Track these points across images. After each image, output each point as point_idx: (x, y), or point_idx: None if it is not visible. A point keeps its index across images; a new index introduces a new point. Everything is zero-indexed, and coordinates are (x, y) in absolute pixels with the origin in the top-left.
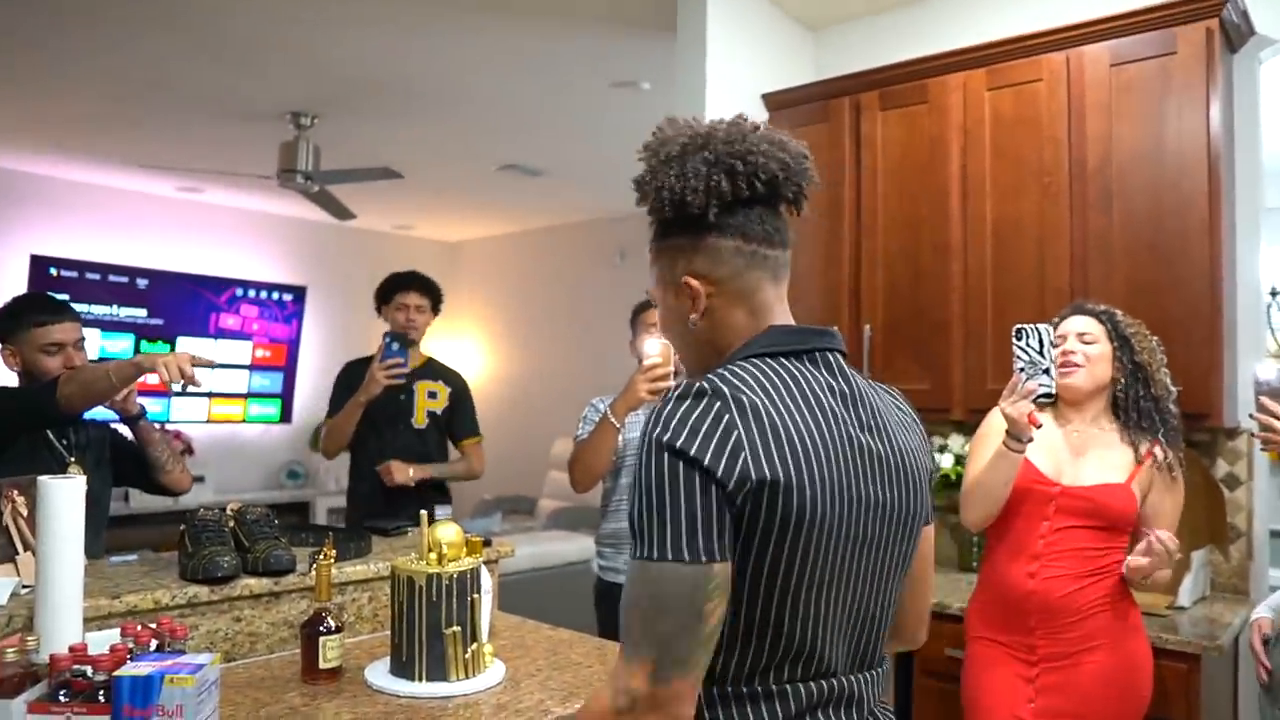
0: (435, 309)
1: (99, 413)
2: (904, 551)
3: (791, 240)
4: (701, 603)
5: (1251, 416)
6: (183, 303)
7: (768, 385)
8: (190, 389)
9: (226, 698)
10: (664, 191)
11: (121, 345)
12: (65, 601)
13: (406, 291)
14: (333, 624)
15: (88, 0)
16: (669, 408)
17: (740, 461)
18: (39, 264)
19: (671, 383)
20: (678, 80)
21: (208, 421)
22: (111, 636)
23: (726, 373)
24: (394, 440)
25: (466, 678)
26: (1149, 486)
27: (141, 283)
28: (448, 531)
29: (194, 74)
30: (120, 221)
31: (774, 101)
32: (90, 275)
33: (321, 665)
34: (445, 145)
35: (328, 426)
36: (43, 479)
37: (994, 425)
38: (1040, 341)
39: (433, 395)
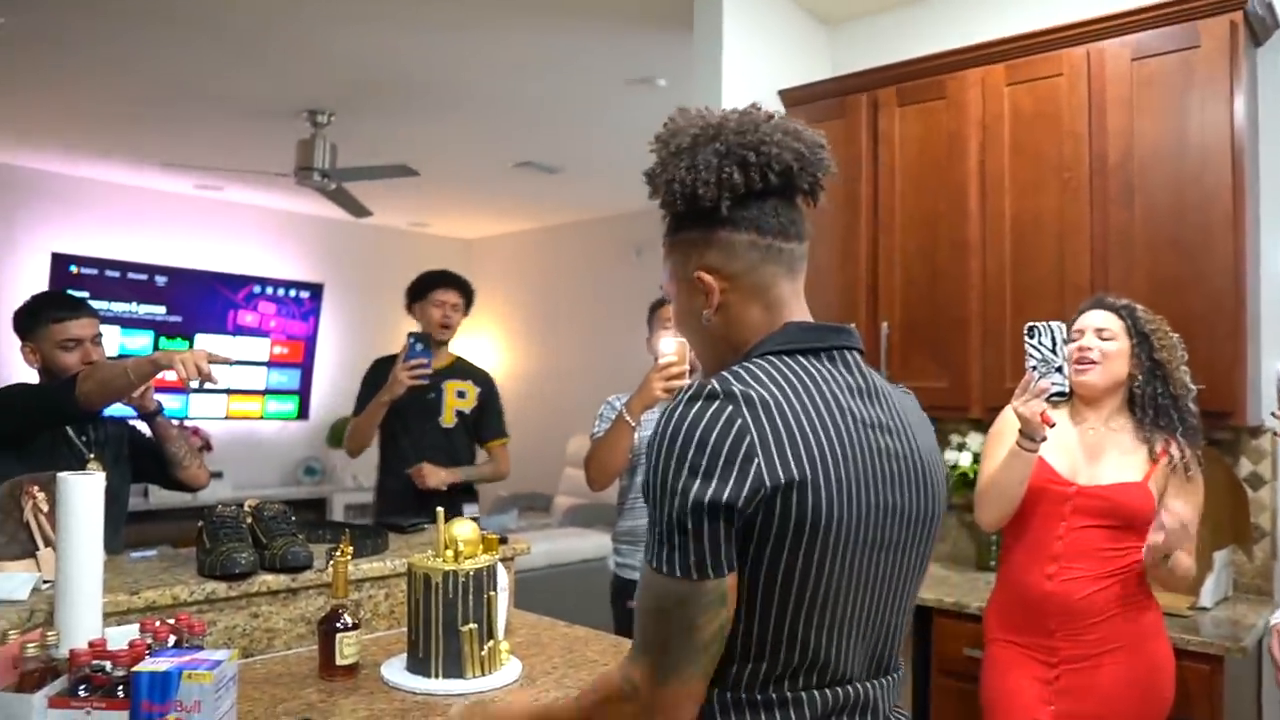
0: (468, 307)
1: (117, 409)
2: (921, 554)
3: (808, 232)
4: (694, 616)
5: (1274, 415)
6: (201, 300)
7: (783, 383)
8: (207, 386)
9: (244, 693)
10: (675, 184)
11: (141, 342)
12: (85, 597)
13: (445, 289)
14: (349, 621)
15: (108, 2)
16: (679, 410)
17: (752, 470)
18: (60, 261)
19: (686, 381)
20: (694, 77)
21: (226, 418)
22: (130, 632)
23: (741, 370)
24: (422, 439)
25: (482, 675)
26: (1165, 485)
27: (160, 280)
28: (464, 529)
29: (213, 73)
30: (140, 219)
31: (790, 98)
32: (110, 273)
33: (338, 662)
34: (461, 142)
35: (351, 425)
36: (63, 475)
37: (1007, 423)
38: (1053, 339)
39: (461, 395)
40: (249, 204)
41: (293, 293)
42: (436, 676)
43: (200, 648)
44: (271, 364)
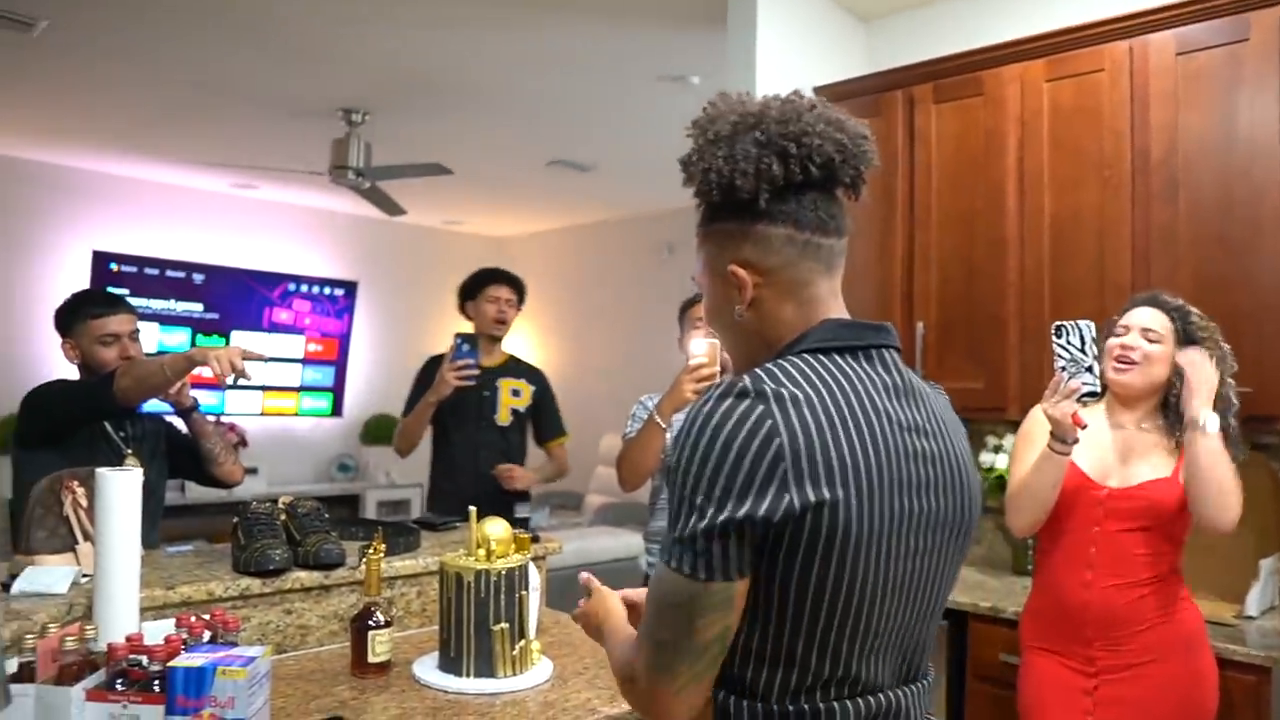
0: (520, 303)
1: (154, 405)
2: (954, 560)
3: (849, 228)
4: (695, 617)
5: None
6: (237, 297)
7: (817, 383)
8: (241, 382)
9: (277, 689)
10: (711, 174)
11: (178, 339)
12: (122, 591)
13: (499, 285)
14: (382, 618)
15: (147, 5)
16: (708, 407)
17: (777, 481)
18: (100, 259)
19: (718, 383)
20: (727, 74)
21: (261, 414)
22: (166, 627)
23: (774, 368)
24: (477, 437)
25: (514, 674)
26: None
27: (198, 278)
28: (496, 528)
29: (249, 73)
30: (178, 217)
31: (826, 94)
32: (149, 270)
33: (370, 659)
34: (495, 141)
35: (401, 425)
36: (101, 471)
37: (1036, 425)
38: (1082, 338)
39: (516, 393)
40: (284, 202)
41: (327, 290)
42: (468, 675)
43: (235, 643)
44: (306, 361)
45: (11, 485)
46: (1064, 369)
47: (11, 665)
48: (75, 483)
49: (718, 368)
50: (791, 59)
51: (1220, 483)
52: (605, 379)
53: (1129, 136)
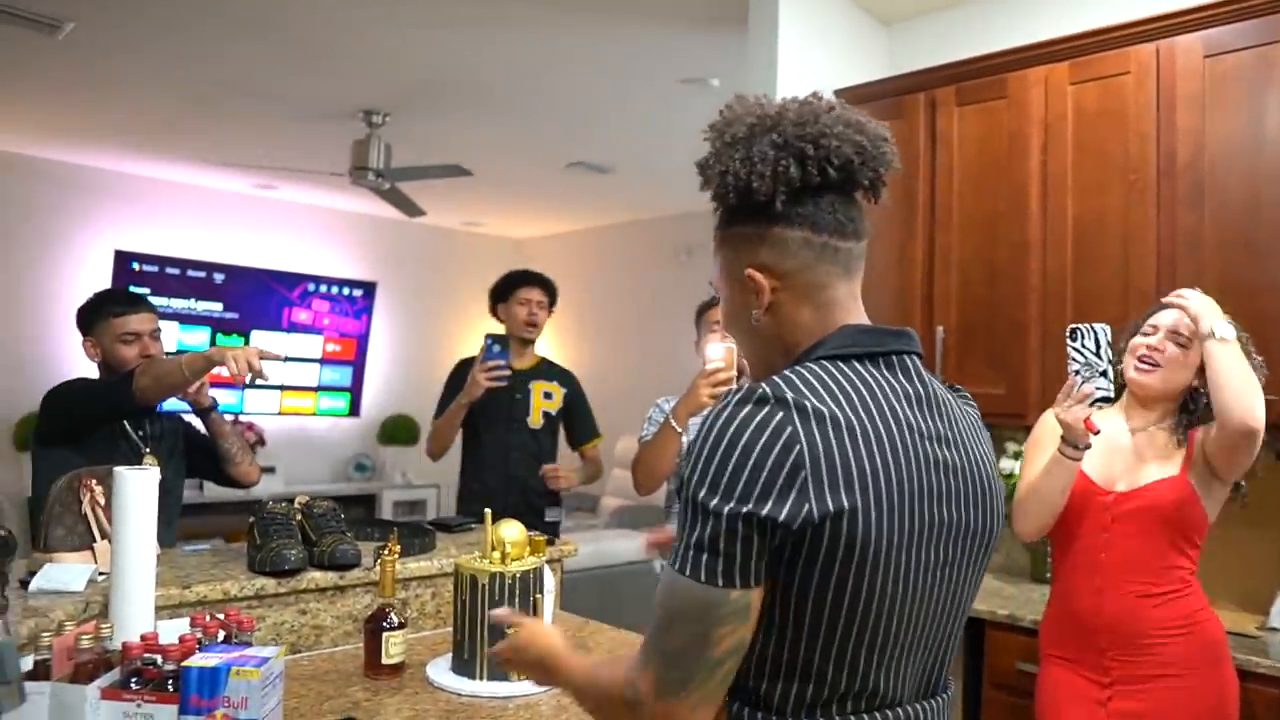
0: (552, 306)
1: (172, 404)
2: (976, 571)
3: (868, 231)
4: (712, 627)
5: None
6: (257, 297)
7: (837, 392)
8: (259, 382)
9: (291, 690)
10: (728, 176)
11: (198, 338)
12: (138, 590)
13: (530, 287)
14: (396, 620)
15: (170, 7)
16: (726, 413)
17: (797, 488)
18: (122, 259)
19: (734, 387)
20: (748, 77)
21: (279, 414)
22: (181, 626)
23: (793, 375)
24: (508, 439)
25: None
26: (1204, 460)
27: (218, 277)
28: (511, 530)
29: (270, 75)
30: (199, 217)
31: (847, 97)
32: (170, 270)
33: (384, 661)
34: (514, 143)
35: (433, 427)
36: (119, 470)
37: (1047, 429)
38: (1097, 341)
39: (548, 396)
40: (304, 203)
41: (346, 291)
42: (481, 678)
43: (249, 643)
44: (324, 361)
45: (31, 483)
46: (1078, 373)
47: (27, 663)
48: (94, 481)
49: (734, 372)
50: (812, 61)
51: (1244, 381)
52: (622, 381)
53: (1154, 140)
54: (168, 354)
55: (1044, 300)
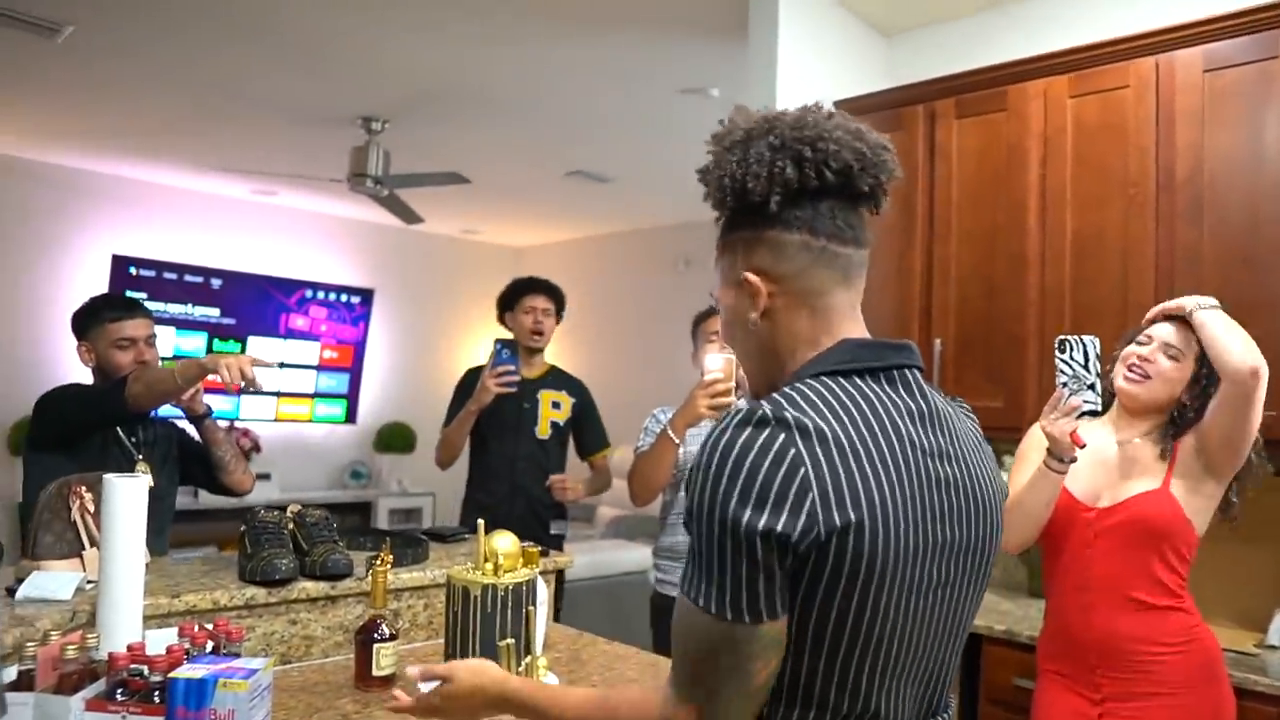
0: (559, 313)
1: (167, 411)
2: (978, 589)
3: (869, 240)
4: (749, 661)
5: None
6: (254, 303)
7: (840, 410)
8: (251, 390)
9: (280, 701)
10: (725, 179)
11: (195, 344)
12: (126, 600)
13: (535, 294)
14: (387, 631)
15: (171, 12)
16: (727, 436)
17: (806, 507)
18: (119, 263)
19: (733, 399)
20: (748, 87)
21: (275, 420)
22: (169, 636)
23: (794, 394)
24: (516, 450)
25: None
26: (1191, 470)
27: (215, 283)
28: (504, 542)
29: (270, 81)
30: (197, 222)
31: (846, 108)
32: (167, 275)
33: (374, 672)
34: (513, 151)
35: (442, 435)
36: (108, 477)
37: (1033, 442)
38: (1085, 354)
39: (556, 406)
40: (303, 209)
41: (344, 297)
42: None
43: (238, 654)
44: (321, 368)
45: (22, 488)
46: (1065, 385)
47: (11, 673)
48: (83, 487)
49: (733, 383)
50: (812, 72)
51: (1239, 332)
52: (619, 391)
53: (1154, 154)
54: (163, 360)
55: (1042, 314)
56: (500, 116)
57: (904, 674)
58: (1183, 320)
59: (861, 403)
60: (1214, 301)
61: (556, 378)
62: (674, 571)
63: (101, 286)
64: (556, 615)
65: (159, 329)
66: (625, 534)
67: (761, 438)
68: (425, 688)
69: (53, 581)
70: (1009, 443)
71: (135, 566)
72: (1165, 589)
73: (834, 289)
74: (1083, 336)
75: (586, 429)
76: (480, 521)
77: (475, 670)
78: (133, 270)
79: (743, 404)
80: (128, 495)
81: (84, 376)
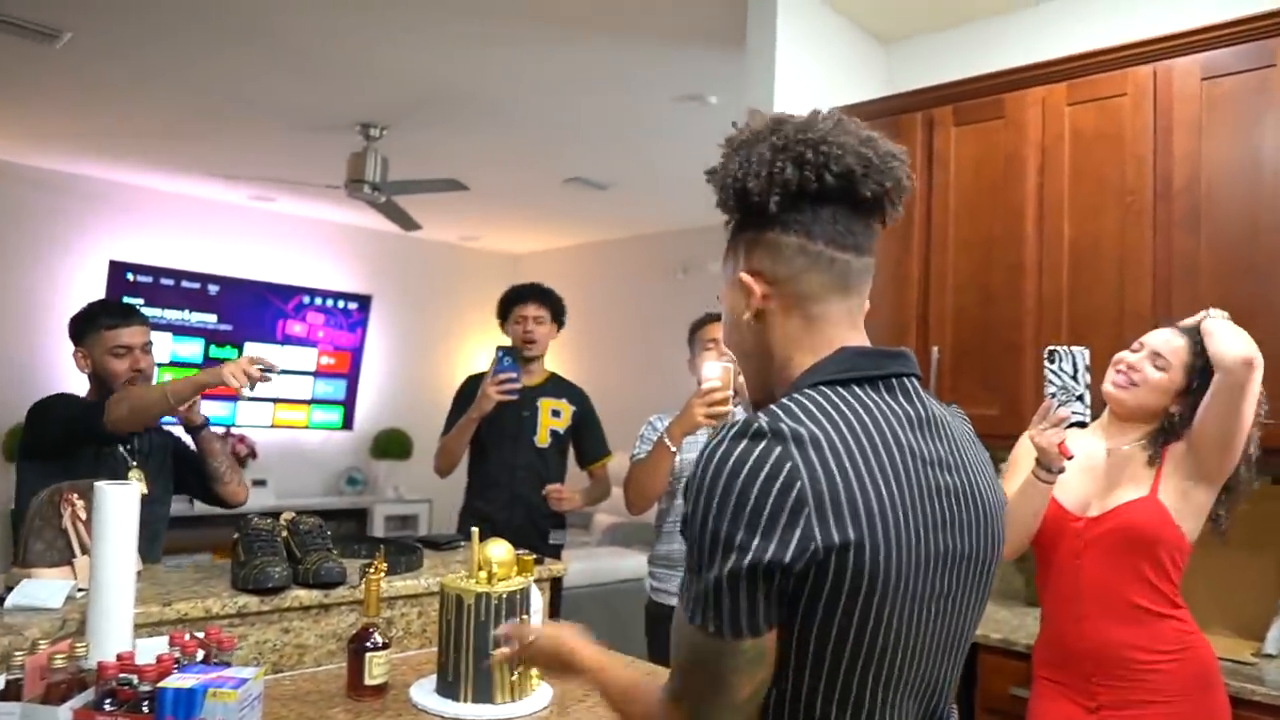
0: (556, 319)
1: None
2: (979, 599)
3: (871, 248)
4: (729, 675)
5: None
6: (251, 309)
7: (838, 419)
8: (259, 390)
9: (271, 710)
10: (728, 180)
11: (192, 350)
12: (116, 608)
13: (524, 303)
14: (380, 640)
15: (169, 17)
16: (722, 449)
17: (801, 525)
18: (117, 269)
19: (730, 407)
20: (746, 93)
21: (271, 426)
22: (160, 645)
23: (791, 404)
24: (515, 459)
25: (512, 700)
26: (1181, 471)
27: (213, 289)
28: (498, 550)
29: (268, 87)
30: (195, 228)
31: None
32: (164, 280)
33: (367, 681)
34: (512, 158)
35: (441, 443)
36: (99, 485)
37: (1024, 451)
38: (1075, 365)
39: (556, 414)
40: (301, 215)
41: (341, 304)
42: (465, 701)
43: (229, 663)
44: (318, 374)
45: (15, 495)
46: (1054, 395)
47: None
48: (75, 495)
49: (731, 391)
50: (810, 79)
51: (1239, 332)
52: (617, 397)
53: (1151, 163)
54: (159, 367)
55: (1039, 323)
56: (498, 123)
57: (906, 687)
58: (1183, 329)
59: (861, 412)
60: (1221, 313)
61: (556, 385)
62: (669, 579)
63: (99, 292)
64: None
65: (155, 335)
66: (622, 541)
67: (757, 451)
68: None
69: (43, 589)
70: (1005, 450)
71: (126, 574)
72: (1157, 596)
73: (829, 295)
74: (1072, 348)
75: (586, 437)
76: (474, 529)
77: (553, 637)
78: (130, 276)
79: (740, 412)
80: (120, 503)
81: (80, 382)
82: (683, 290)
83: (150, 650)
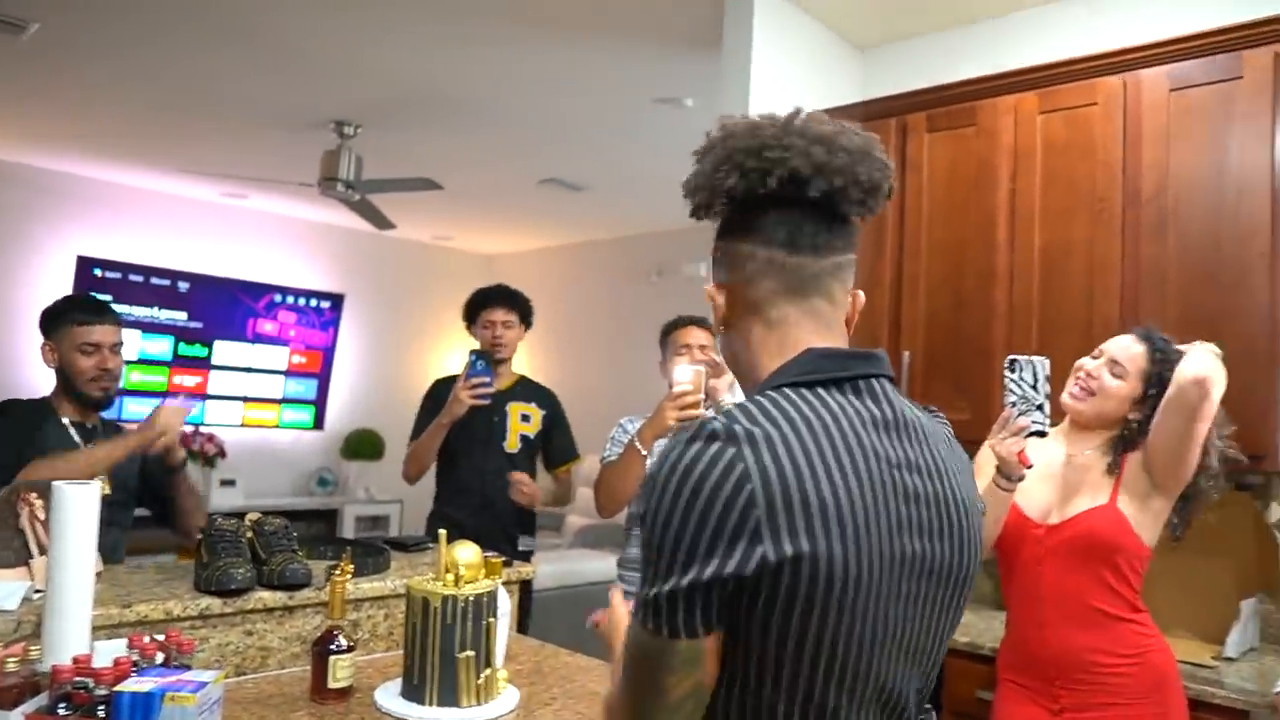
0: (524, 321)
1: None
2: (953, 611)
3: (833, 248)
4: (662, 676)
5: None
6: (222, 307)
7: (797, 419)
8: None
9: (232, 714)
10: (685, 192)
11: (160, 347)
12: (74, 610)
13: (492, 307)
14: (344, 643)
15: (140, 11)
16: (676, 451)
17: (750, 531)
18: (85, 265)
19: (701, 411)
20: (722, 97)
21: (241, 426)
22: (118, 648)
23: (751, 405)
24: (485, 464)
25: (478, 704)
26: (1140, 481)
27: (183, 286)
28: (466, 552)
29: (242, 83)
30: (165, 225)
31: None
32: (133, 277)
33: (331, 684)
34: (486, 158)
35: (410, 449)
36: (58, 484)
37: (985, 458)
38: (1035, 375)
39: (526, 418)
40: (273, 213)
41: (313, 302)
42: (431, 704)
43: (188, 666)
44: (289, 373)
45: None
46: (1014, 405)
47: None
48: (33, 495)
49: (702, 395)
50: (786, 84)
51: (1208, 355)
52: (589, 399)
53: (1120, 172)
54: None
55: (1010, 328)
56: (474, 123)
57: (873, 695)
58: (1148, 336)
59: (823, 412)
60: (1206, 346)
61: (526, 388)
62: (639, 583)
63: (66, 287)
64: (523, 625)
65: (124, 332)
66: (593, 543)
67: (709, 453)
68: None
69: None
70: (975, 454)
71: (85, 575)
72: (1118, 601)
73: (782, 299)
74: (1032, 358)
75: (555, 439)
76: (442, 531)
77: (617, 609)
78: (98, 272)
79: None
80: (79, 502)
81: (47, 377)
82: (657, 293)
83: (108, 653)
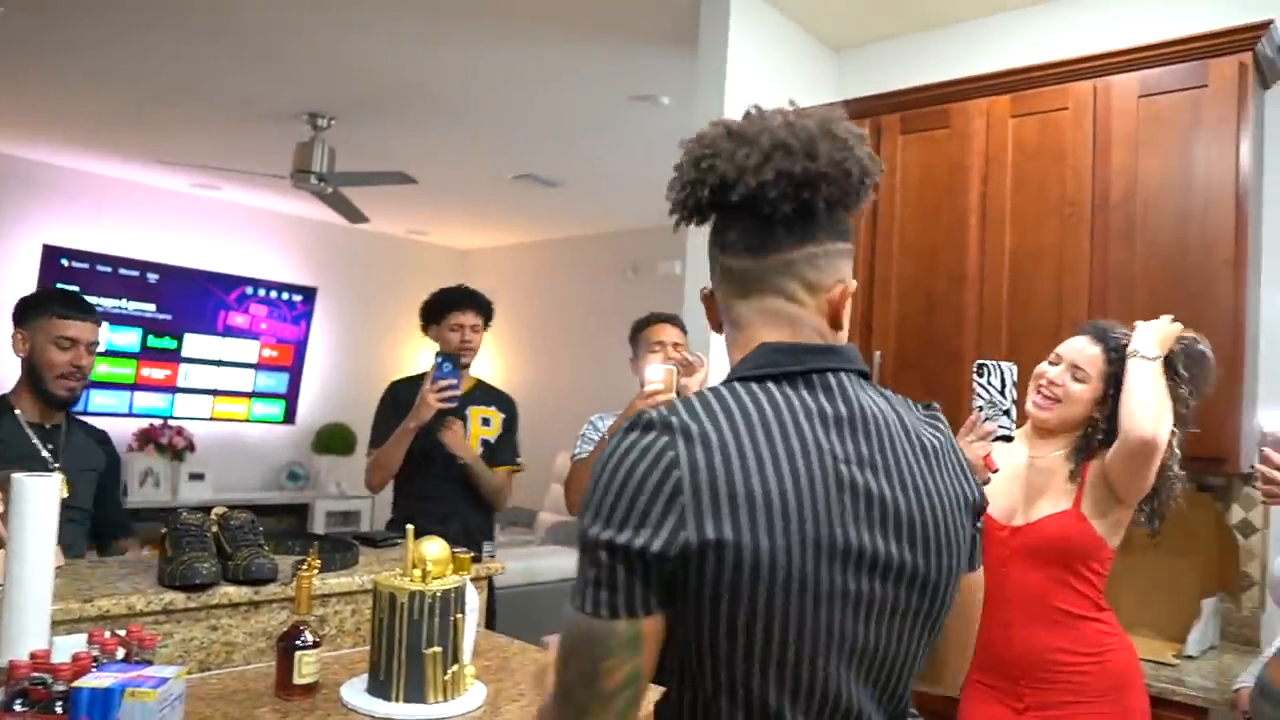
0: (487, 324)
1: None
2: (925, 619)
3: (770, 246)
4: (599, 659)
5: (1253, 467)
6: (192, 299)
7: (735, 411)
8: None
9: (195, 710)
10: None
11: (129, 339)
12: (33, 604)
13: (462, 311)
14: (310, 638)
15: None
16: (616, 440)
17: (674, 517)
18: (51, 254)
19: None
20: (698, 95)
21: (211, 419)
22: (78, 643)
23: (694, 399)
24: (444, 471)
25: (445, 700)
26: (1102, 488)
27: (152, 277)
28: (434, 548)
29: (214, 73)
30: (134, 215)
31: None
32: (101, 267)
33: (296, 680)
34: (462, 153)
35: (374, 456)
36: (17, 476)
37: None
38: (1002, 379)
39: (486, 422)
40: (245, 205)
41: (285, 296)
42: (397, 700)
43: (150, 662)
44: (260, 367)
45: None
46: (981, 409)
47: None
48: None
49: (673, 394)
50: (762, 84)
51: (1153, 397)
52: (563, 397)
53: (1090, 176)
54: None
55: (980, 330)
56: (449, 117)
57: (821, 708)
58: (1099, 335)
59: (765, 405)
60: (1157, 353)
61: (485, 393)
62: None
63: (31, 277)
64: (491, 622)
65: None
66: (565, 539)
67: (643, 442)
68: None
69: None
70: None
71: (44, 569)
72: (1081, 601)
73: (735, 302)
74: (1000, 363)
75: (503, 441)
76: (409, 527)
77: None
78: (65, 261)
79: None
80: (38, 495)
81: (12, 367)
82: (632, 290)
83: (67, 648)
